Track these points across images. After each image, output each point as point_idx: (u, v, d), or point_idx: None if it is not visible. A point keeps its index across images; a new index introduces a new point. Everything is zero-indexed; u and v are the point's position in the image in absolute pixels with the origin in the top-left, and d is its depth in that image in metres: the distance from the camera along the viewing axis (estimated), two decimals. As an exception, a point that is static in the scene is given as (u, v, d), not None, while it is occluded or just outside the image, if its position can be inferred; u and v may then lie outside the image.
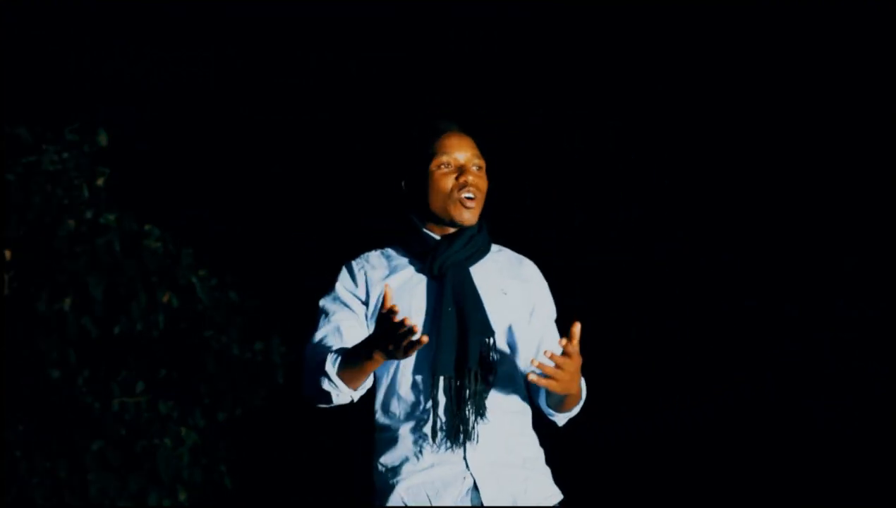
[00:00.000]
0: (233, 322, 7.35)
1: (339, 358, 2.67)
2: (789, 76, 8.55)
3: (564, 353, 2.57)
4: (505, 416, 2.81)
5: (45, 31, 8.07)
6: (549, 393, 2.82)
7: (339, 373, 2.65)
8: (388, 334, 2.46)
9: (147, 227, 6.99)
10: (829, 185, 8.42)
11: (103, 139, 7.02)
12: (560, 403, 2.82)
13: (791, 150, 8.59)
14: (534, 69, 8.99)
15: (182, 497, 6.93)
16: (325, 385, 2.66)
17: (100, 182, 6.99)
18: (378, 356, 2.55)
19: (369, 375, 2.71)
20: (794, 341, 8.37)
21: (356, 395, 2.74)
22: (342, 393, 2.69)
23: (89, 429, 6.76)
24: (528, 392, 2.91)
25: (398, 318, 2.44)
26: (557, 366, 2.57)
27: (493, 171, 2.96)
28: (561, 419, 2.93)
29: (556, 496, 2.85)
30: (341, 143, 9.27)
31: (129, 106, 8.72)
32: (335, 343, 2.80)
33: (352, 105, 9.23)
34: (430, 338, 2.60)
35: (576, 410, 2.92)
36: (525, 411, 2.90)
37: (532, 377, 2.57)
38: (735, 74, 8.68)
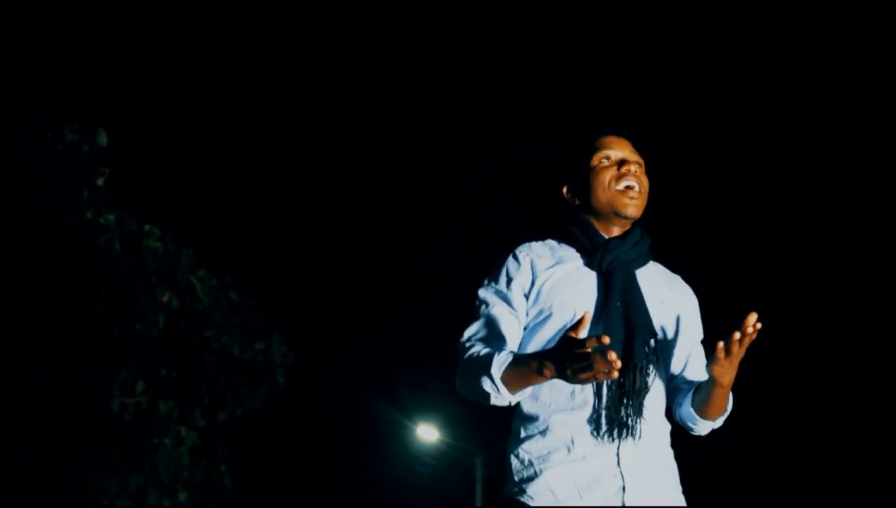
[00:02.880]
0: (232, 322, 7.35)
1: (507, 364, 2.62)
2: (789, 80, 8.56)
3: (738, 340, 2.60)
4: (656, 422, 2.80)
5: (45, 32, 8.07)
6: (696, 394, 2.82)
7: (503, 378, 2.62)
8: (574, 360, 2.43)
9: (147, 227, 6.99)
10: (829, 185, 8.43)
11: (103, 139, 7.01)
12: (706, 404, 2.81)
13: (791, 150, 8.60)
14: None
15: (182, 497, 6.93)
16: (487, 386, 2.63)
17: (100, 182, 6.98)
18: (549, 373, 2.52)
19: (531, 385, 2.67)
20: (795, 341, 8.38)
21: (514, 400, 2.68)
22: (501, 397, 2.64)
23: (89, 429, 6.76)
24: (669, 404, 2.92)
25: (589, 349, 2.39)
26: (729, 350, 2.59)
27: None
28: (704, 426, 2.91)
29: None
30: (342, 145, 9.27)
31: (130, 106, 8.73)
32: (492, 339, 2.77)
33: (352, 108, 9.24)
34: (596, 330, 2.62)
35: (720, 421, 2.91)
36: (667, 424, 2.88)
37: (720, 344, 2.56)
38: (738, 80, 8.69)
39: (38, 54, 7.96)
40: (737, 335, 2.60)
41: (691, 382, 2.89)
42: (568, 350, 2.45)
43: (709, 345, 2.62)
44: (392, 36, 9.12)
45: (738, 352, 2.65)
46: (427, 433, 14.03)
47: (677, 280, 3.04)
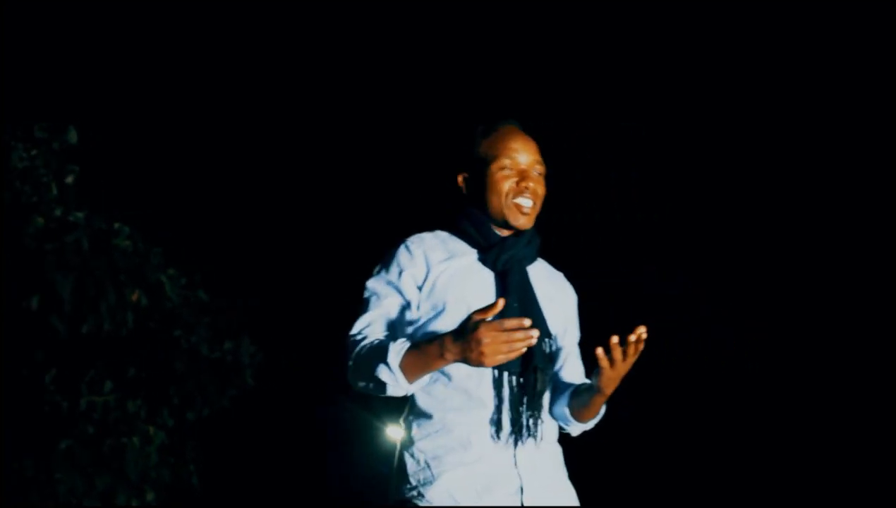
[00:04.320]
0: (202, 321, 7.33)
1: (405, 350, 2.59)
2: (788, 83, 8.60)
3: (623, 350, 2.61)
4: (547, 421, 2.83)
5: (15, 29, 8.02)
6: (575, 397, 2.84)
7: (402, 365, 2.58)
8: (490, 338, 2.41)
9: (116, 225, 6.95)
10: (828, 185, 8.47)
11: (73, 136, 6.98)
12: (584, 408, 2.83)
13: (788, 150, 8.64)
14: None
15: (150, 496, 6.90)
16: (384, 375, 2.59)
17: (69, 179, 6.94)
18: (451, 356, 2.50)
19: (430, 371, 2.63)
20: (793, 339, 8.41)
21: (412, 389, 2.66)
22: (399, 386, 2.62)
23: (57, 428, 6.72)
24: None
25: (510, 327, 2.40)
26: (625, 354, 2.62)
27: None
28: (577, 429, 2.95)
29: (576, 501, 2.88)
30: (312, 143, 9.25)
31: (100, 104, 8.68)
32: (384, 330, 2.76)
33: (322, 105, 9.22)
34: None
35: (592, 424, 2.94)
36: (554, 421, 2.93)
37: (599, 351, 2.61)
38: (737, 85, 8.72)
39: (7, 52, 7.91)
40: (614, 339, 2.63)
41: (568, 383, 2.90)
42: (477, 328, 2.42)
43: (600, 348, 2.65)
44: (391, 33, 9.12)
45: (626, 363, 2.67)
46: (396, 433, 14.09)
47: (561, 277, 3.08)
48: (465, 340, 2.46)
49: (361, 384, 2.70)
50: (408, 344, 2.61)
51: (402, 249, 2.86)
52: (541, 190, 2.90)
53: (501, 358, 2.42)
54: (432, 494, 2.69)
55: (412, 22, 9.05)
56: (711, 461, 8.33)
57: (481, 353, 2.43)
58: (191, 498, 7.38)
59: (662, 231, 8.83)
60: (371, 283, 2.85)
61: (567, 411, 2.89)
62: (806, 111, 8.51)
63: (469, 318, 2.48)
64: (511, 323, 2.40)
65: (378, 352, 2.62)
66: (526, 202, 2.86)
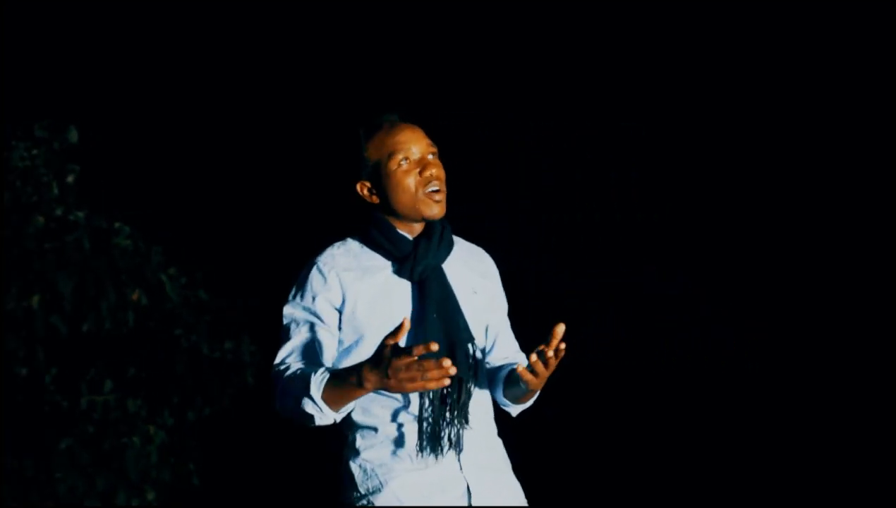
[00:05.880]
0: (202, 320, 7.33)
1: (325, 381, 2.58)
2: (785, 81, 8.58)
3: (543, 354, 2.60)
4: (483, 417, 2.84)
5: (15, 29, 8.02)
6: (508, 387, 2.87)
7: (325, 397, 2.57)
8: (400, 368, 2.40)
9: (117, 225, 6.96)
10: (828, 185, 8.46)
11: (74, 136, 6.98)
12: (521, 396, 2.87)
13: (788, 150, 8.63)
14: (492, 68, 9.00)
15: (150, 496, 6.90)
16: (309, 408, 2.58)
17: (70, 179, 6.95)
18: (370, 385, 2.48)
19: (355, 400, 2.63)
20: (793, 339, 8.40)
21: (339, 417, 2.65)
22: (325, 416, 2.61)
23: (57, 428, 6.73)
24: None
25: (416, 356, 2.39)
26: (547, 365, 2.61)
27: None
28: (516, 410, 3.00)
29: (522, 496, 2.89)
30: (310, 142, 9.25)
31: (100, 103, 8.68)
32: (306, 358, 2.75)
33: (317, 103, 9.22)
34: (415, 343, 2.59)
35: (530, 403, 2.98)
36: (491, 408, 2.93)
37: (520, 368, 2.61)
38: (728, 78, 8.71)
39: (6, 50, 7.91)
40: (534, 358, 2.64)
41: (500, 366, 2.93)
42: (391, 358, 2.41)
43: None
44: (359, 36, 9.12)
45: (549, 369, 2.69)
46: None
47: (481, 257, 3.09)
48: (381, 370, 2.44)
49: (291, 416, 2.69)
50: (328, 375, 2.60)
51: (314, 272, 2.85)
52: (443, 173, 2.88)
53: (419, 385, 2.41)
54: (381, 500, 2.72)
55: (412, 22, 9.06)
56: (712, 461, 8.32)
57: (400, 381, 2.41)
58: (191, 498, 7.37)
59: (662, 231, 8.82)
60: (288, 310, 2.84)
61: (503, 398, 2.94)
62: (806, 111, 8.50)
63: (384, 346, 2.46)
64: (418, 349, 2.39)
65: (301, 384, 2.61)
66: (435, 188, 2.84)
